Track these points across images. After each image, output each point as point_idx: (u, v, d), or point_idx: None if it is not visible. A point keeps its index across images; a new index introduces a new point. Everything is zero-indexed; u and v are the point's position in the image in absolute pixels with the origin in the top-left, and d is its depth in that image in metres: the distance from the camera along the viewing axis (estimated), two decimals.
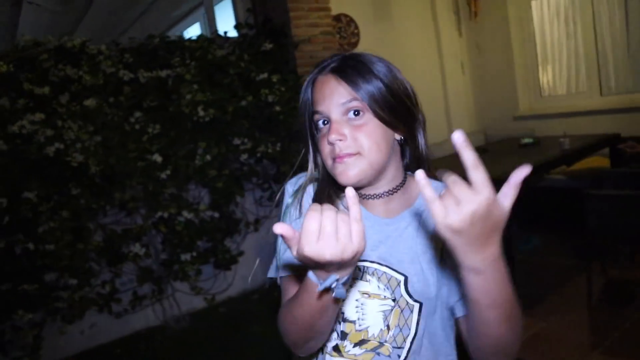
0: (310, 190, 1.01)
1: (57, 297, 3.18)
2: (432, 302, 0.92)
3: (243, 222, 3.94)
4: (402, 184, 0.96)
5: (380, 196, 0.95)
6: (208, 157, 3.54)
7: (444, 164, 0.94)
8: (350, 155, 0.87)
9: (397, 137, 0.94)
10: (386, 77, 0.89)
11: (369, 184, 0.93)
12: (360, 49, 5.09)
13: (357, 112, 0.88)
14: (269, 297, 3.81)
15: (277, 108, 3.74)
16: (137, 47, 3.41)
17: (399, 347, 0.92)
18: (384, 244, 0.94)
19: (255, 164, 3.93)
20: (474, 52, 5.79)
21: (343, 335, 0.95)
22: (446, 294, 0.93)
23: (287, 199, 1.02)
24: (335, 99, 0.89)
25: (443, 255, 0.91)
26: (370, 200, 0.96)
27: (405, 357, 0.92)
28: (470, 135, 5.83)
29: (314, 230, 0.67)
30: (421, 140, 0.97)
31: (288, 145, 3.93)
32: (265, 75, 3.71)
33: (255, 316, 3.56)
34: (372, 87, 0.88)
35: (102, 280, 3.38)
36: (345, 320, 0.94)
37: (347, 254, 0.67)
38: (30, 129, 2.88)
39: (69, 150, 2.99)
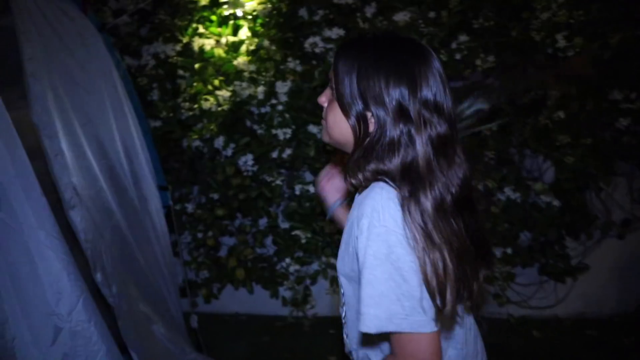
0: None
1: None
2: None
3: (601, 220, 2.61)
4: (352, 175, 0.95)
5: None
6: (561, 115, 2.34)
7: None
8: (323, 120, 1.01)
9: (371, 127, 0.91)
10: (363, 67, 0.89)
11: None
12: None
13: (332, 88, 0.97)
14: (614, 332, 2.62)
15: None
16: None
17: (342, 307, 1.09)
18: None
19: None
20: None
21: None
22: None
23: None
24: (330, 73, 0.98)
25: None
26: None
27: (344, 316, 1.10)
28: None
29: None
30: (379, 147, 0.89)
31: None
32: None
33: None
34: (343, 71, 0.91)
35: None
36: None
37: None
38: (323, 48, 2.31)
39: None
